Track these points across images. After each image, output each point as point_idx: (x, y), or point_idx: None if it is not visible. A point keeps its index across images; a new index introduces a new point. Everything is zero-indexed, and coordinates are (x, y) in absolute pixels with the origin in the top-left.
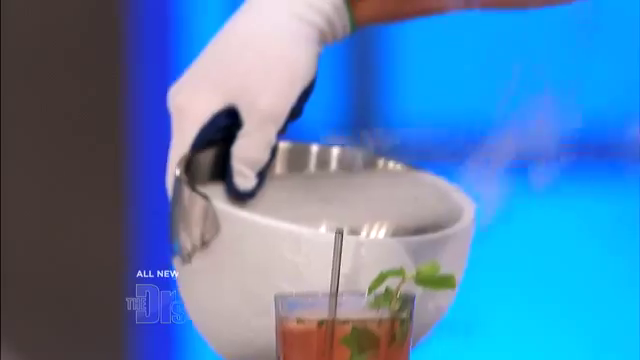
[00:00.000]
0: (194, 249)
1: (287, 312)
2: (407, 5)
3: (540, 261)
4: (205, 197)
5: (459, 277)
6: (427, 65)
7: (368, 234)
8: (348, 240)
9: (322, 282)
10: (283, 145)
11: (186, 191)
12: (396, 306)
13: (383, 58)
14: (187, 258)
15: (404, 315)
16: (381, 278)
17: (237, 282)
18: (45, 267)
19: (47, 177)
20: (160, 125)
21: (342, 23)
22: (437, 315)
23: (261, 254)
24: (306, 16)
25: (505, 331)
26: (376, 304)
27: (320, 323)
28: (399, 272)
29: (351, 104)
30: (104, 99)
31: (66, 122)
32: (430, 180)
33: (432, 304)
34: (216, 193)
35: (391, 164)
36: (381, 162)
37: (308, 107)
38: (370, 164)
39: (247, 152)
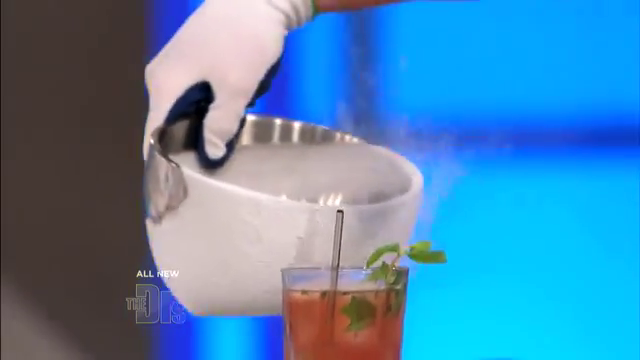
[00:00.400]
0: (164, 211)
1: (292, 284)
2: None
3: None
4: (175, 164)
5: (407, 241)
6: (422, 55)
7: (325, 202)
8: (305, 207)
9: (279, 244)
10: (249, 118)
11: (158, 158)
12: (391, 279)
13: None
14: (158, 219)
15: (399, 287)
16: (378, 253)
17: (202, 243)
18: (46, 268)
19: (54, 177)
20: None
21: (306, 9)
22: None
23: (224, 217)
24: (274, 1)
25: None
26: (373, 277)
27: (323, 294)
28: (394, 248)
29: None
30: (120, 102)
31: (77, 117)
32: (384, 153)
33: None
34: (189, 161)
35: (347, 137)
36: (338, 136)
37: (310, 96)
38: (328, 138)
39: (218, 123)
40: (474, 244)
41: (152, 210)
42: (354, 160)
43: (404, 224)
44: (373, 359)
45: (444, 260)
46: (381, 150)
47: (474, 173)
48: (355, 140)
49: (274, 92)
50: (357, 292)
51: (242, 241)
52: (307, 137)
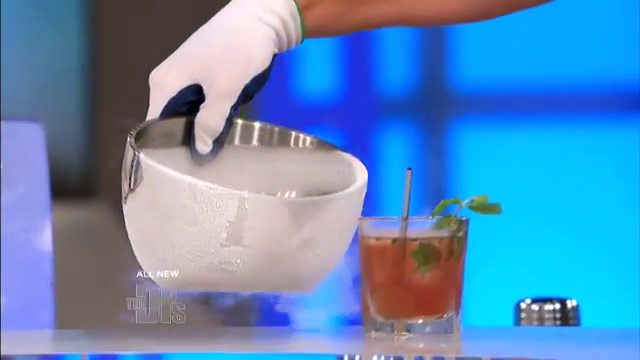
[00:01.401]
0: (128, 193)
1: (368, 232)
2: (348, 17)
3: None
4: (136, 152)
5: (350, 234)
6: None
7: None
8: (234, 194)
9: (212, 226)
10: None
11: (128, 147)
12: (454, 227)
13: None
14: (125, 199)
15: (460, 234)
16: (442, 205)
17: (152, 221)
18: None
19: None
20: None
21: (296, 28)
22: (317, 264)
23: (169, 200)
24: (264, 18)
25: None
26: (438, 226)
27: (394, 240)
28: (456, 200)
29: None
30: None
31: None
32: (335, 152)
33: (312, 253)
34: (179, 155)
35: (302, 136)
36: (293, 134)
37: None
38: (284, 136)
39: (206, 121)
40: (529, 195)
41: (122, 192)
42: (306, 160)
43: (343, 216)
44: (438, 297)
45: (499, 211)
46: (333, 150)
47: (528, 133)
48: (309, 139)
49: (356, 62)
50: (424, 239)
51: (182, 222)
52: (266, 136)
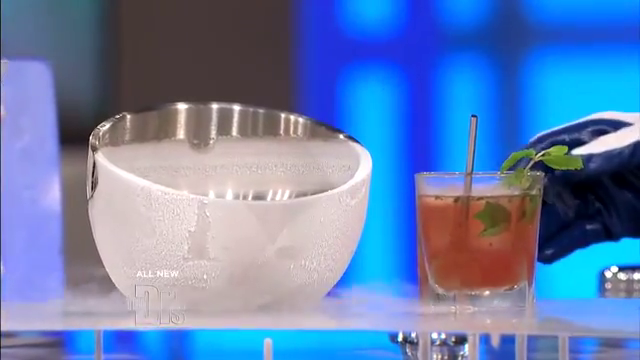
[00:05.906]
0: (89, 199)
1: (426, 190)
2: None
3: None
4: (94, 150)
5: (350, 238)
6: None
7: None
8: (193, 200)
9: (172, 236)
10: (182, 106)
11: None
12: (526, 184)
13: None
14: (88, 204)
15: (534, 192)
16: (513, 159)
17: (108, 230)
18: None
19: None
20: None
21: None
22: (305, 276)
23: (124, 207)
24: None
25: None
26: (508, 182)
27: (456, 199)
28: (529, 153)
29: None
30: None
31: None
32: (334, 138)
33: (294, 264)
34: (176, 146)
35: (293, 117)
36: (281, 120)
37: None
38: (272, 123)
39: None
40: None
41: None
42: (299, 155)
43: (323, 223)
44: (507, 265)
45: (580, 165)
46: (342, 140)
47: (616, 69)
48: (302, 122)
49: None
50: (491, 197)
51: (140, 233)
52: (249, 123)
